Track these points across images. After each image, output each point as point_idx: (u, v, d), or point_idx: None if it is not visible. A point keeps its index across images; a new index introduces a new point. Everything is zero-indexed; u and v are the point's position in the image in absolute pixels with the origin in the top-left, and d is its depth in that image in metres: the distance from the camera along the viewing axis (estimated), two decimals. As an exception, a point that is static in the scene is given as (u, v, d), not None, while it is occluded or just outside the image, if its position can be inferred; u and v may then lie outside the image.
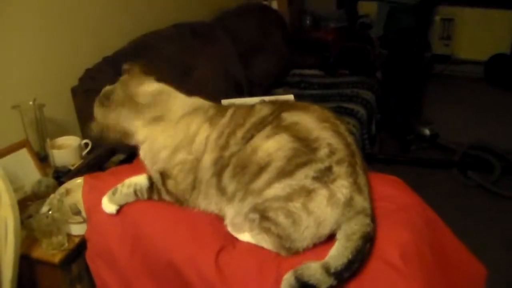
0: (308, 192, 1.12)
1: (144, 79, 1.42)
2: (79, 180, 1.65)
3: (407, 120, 3.57)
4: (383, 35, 4.40)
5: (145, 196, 1.34)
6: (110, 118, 1.38)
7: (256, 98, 1.65)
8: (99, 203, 1.37)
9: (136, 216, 1.35)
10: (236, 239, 1.27)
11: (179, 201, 1.33)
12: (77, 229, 1.52)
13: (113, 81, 1.45)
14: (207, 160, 1.27)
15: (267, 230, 1.18)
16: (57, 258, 1.46)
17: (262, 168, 1.17)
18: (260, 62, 3.17)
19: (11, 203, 1.33)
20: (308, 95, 3.11)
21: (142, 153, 1.39)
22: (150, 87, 1.41)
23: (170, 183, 1.31)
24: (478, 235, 2.17)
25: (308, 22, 4.33)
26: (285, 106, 1.28)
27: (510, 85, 4.29)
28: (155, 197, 1.34)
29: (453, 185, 3.03)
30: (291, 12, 4.04)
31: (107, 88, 1.42)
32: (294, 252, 1.17)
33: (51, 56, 2.00)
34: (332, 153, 1.15)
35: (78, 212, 1.54)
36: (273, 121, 1.23)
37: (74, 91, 2.05)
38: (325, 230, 1.13)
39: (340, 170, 1.14)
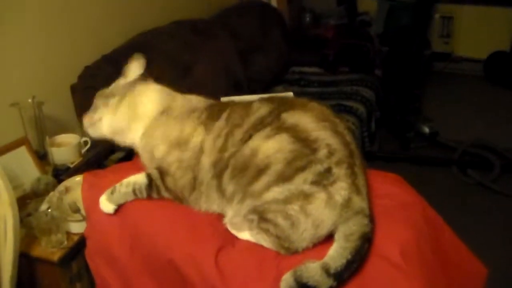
0: (306, 196, 1.11)
1: (146, 79, 1.43)
2: (78, 178, 1.64)
3: (407, 118, 3.57)
4: (383, 32, 4.40)
5: (144, 194, 1.33)
6: (111, 117, 1.39)
7: (255, 95, 1.65)
8: (98, 201, 1.36)
9: (136, 214, 1.35)
10: (236, 238, 1.27)
11: (179, 198, 1.32)
12: (77, 227, 1.52)
13: (112, 79, 1.45)
14: (206, 162, 1.26)
15: (266, 231, 1.18)
16: (56, 256, 1.46)
17: (261, 171, 1.16)
18: (260, 59, 3.17)
19: (10, 201, 1.33)
20: (307, 92, 3.10)
21: (140, 151, 1.39)
22: (147, 86, 1.41)
23: (169, 180, 1.31)
24: (478, 233, 2.17)
25: (307, 19, 4.32)
26: (284, 106, 1.26)
27: (510, 82, 4.29)
28: (154, 195, 1.33)
29: (453, 183, 3.04)
30: (290, 9, 4.04)
31: (105, 89, 1.43)
32: (294, 252, 1.17)
33: (50, 54, 2.00)
34: (331, 153, 1.14)
35: (77, 210, 1.54)
36: (273, 122, 1.22)
37: (73, 88, 2.04)
38: (323, 231, 1.13)
39: (339, 171, 1.13)
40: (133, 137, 1.40)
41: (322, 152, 1.14)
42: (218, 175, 1.24)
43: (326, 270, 1.04)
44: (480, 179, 2.99)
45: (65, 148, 1.88)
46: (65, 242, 1.50)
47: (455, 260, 1.35)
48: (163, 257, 1.27)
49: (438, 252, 1.27)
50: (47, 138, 1.83)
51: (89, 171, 1.57)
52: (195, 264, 1.21)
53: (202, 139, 1.28)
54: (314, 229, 1.12)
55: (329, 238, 1.14)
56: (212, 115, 1.33)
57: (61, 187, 1.62)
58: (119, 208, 1.35)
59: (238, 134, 1.24)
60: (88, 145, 1.91)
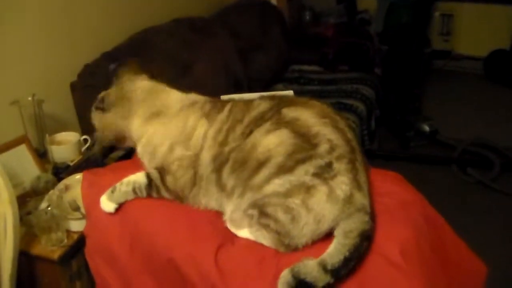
0: (307, 189, 1.11)
1: (137, 77, 1.43)
2: (78, 176, 1.64)
3: (407, 116, 3.57)
4: (382, 31, 4.40)
5: (144, 194, 1.33)
6: (108, 120, 1.39)
7: (255, 93, 1.65)
8: (98, 199, 1.36)
9: (136, 213, 1.35)
10: (235, 236, 1.27)
11: (179, 198, 1.32)
12: (76, 225, 1.52)
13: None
14: (207, 156, 1.27)
15: (266, 226, 1.18)
16: (56, 254, 1.46)
17: (261, 164, 1.16)
18: (260, 57, 3.16)
19: (10, 199, 1.33)
20: (307, 90, 3.10)
21: (140, 150, 1.39)
22: (143, 85, 1.42)
23: (169, 180, 1.31)
24: (477, 232, 2.17)
25: (307, 17, 4.31)
26: (284, 102, 1.27)
27: (510, 81, 4.29)
28: (154, 194, 1.33)
29: (453, 182, 3.04)
30: (290, 7, 4.03)
31: (101, 94, 1.43)
32: (293, 249, 1.17)
33: (50, 52, 2.00)
34: (332, 149, 1.14)
35: (77, 208, 1.53)
36: (273, 116, 1.22)
37: (73, 86, 2.04)
38: (324, 227, 1.13)
39: (340, 166, 1.13)
40: (130, 135, 1.40)
41: (323, 147, 1.14)
42: (217, 169, 1.24)
43: (323, 266, 1.05)
44: (480, 177, 2.99)
45: (65, 146, 1.87)
46: (65, 240, 1.49)
47: (455, 258, 1.35)
48: (163, 256, 1.27)
49: (438, 250, 1.27)
50: (47, 136, 1.83)
51: (89, 169, 1.57)
52: (195, 263, 1.21)
53: (206, 130, 1.29)
54: (315, 224, 1.12)
55: (329, 237, 1.14)
56: (215, 106, 1.34)
57: (61, 185, 1.62)
58: (119, 207, 1.35)
59: (239, 129, 1.24)
60: (88, 143, 1.91)
